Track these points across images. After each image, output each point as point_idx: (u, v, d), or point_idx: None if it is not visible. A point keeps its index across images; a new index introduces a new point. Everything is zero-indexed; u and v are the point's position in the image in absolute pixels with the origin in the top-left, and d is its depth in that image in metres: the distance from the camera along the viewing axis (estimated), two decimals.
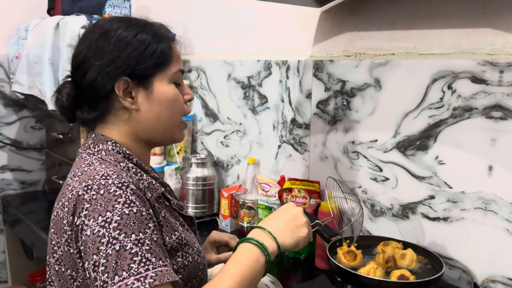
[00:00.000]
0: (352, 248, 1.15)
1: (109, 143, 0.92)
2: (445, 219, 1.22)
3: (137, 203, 0.80)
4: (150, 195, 0.88)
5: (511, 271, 1.11)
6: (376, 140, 1.36)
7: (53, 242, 0.86)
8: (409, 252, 1.16)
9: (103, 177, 0.82)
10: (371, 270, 1.06)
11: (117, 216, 0.77)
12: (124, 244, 0.75)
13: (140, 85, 0.92)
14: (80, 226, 0.79)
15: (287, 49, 1.65)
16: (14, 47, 2.20)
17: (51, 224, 0.87)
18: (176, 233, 0.91)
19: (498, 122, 1.11)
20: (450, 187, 1.21)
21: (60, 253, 0.84)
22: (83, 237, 0.78)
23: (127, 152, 0.93)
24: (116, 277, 0.73)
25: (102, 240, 0.75)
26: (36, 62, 1.98)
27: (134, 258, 0.74)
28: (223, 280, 0.80)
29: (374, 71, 1.35)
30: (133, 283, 0.72)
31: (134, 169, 0.92)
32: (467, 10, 1.17)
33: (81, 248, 0.79)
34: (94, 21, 1.49)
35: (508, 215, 1.10)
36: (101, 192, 0.80)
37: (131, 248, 0.75)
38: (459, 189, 1.19)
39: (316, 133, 1.54)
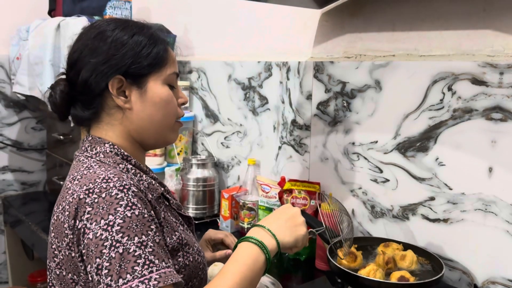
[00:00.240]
0: (353, 249, 1.15)
1: (106, 145, 0.92)
2: (445, 220, 1.23)
3: (139, 205, 0.80)
4: (151, 196, 0.89)
5: (511, 272, 1.11)
6: (376, 142, 1.37)
7: (53, 246, 0.86)
8: (409, 253, 1.16)
9: (104, 180, 0.82)
10: (371, 272, 1.06)
11: (120, 219, 0.77)
12: (127, 247, 0.75)
13: (134, 84, 0.92)
14: (82, 230, 0.79)
15: (288, 50, 1.65)
16: (15, 48, 2.21)
17: (51, 228, 0.87)
18: (176, 233, 0.91)
19: (498, 124, 1.11)
20: (450, 189, 1.21)
21: (61, 257, 0.84)
22: (85, 241, 0.78)
23: (125, 153, 0.93)
24: (120, 280, 0.73)
25: (105, 244, 0.75)
26: (37, 63, 1.99)
27: (138, 261, 0.75)
28: (223, 280, 0.80)
29: (374, 72, 1.35)
30: (138, 286, 0.72)
31: (133, 170, 0.92)
32: (467, 12, 1.17)
33: (83, 251, 0.79)
34: None
35: (508, 217, 1.10)
36: (103, 195, 0.80)
37: (135, 251, 0.75)
38: (459, 191, 1.19)
39: (316, 134, 1.54)
